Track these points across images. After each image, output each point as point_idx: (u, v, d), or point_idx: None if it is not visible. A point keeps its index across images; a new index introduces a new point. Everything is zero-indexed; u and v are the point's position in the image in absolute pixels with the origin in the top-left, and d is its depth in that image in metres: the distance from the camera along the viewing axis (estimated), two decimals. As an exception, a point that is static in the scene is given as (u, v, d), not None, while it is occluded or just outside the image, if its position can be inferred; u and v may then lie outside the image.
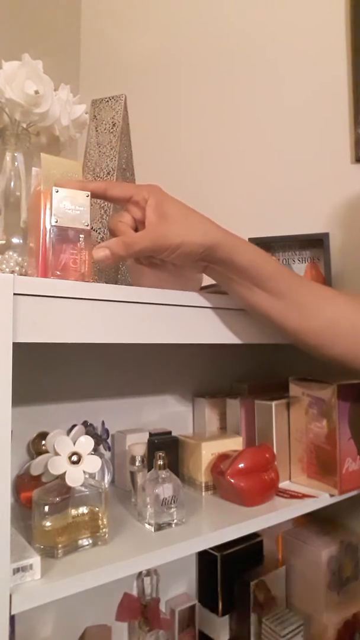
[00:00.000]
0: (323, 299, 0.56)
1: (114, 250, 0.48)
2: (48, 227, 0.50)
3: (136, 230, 0.53)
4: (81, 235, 0.50)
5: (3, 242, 0.64)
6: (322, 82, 1.07)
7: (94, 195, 0.52)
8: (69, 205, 0.50)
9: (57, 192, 0.50)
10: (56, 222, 0.49)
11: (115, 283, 0.76)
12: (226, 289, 0.58)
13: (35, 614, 0.75)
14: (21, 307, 0.44)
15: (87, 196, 0.51)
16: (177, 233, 0.49)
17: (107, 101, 0.78)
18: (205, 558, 0.91)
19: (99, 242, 0.72)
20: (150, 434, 0.77)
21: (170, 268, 0.55)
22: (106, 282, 0.73)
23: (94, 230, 0.73)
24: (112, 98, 0.78)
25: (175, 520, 0.63)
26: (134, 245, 0.48)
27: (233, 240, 0.52)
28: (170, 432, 0.81)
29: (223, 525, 0.64)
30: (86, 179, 0.75)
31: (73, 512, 0.55)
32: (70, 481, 0.54)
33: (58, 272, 0.49)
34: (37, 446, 0.74)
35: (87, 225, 0.50)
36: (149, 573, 0.82)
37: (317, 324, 0.55)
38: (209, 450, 0.77)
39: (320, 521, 0.97)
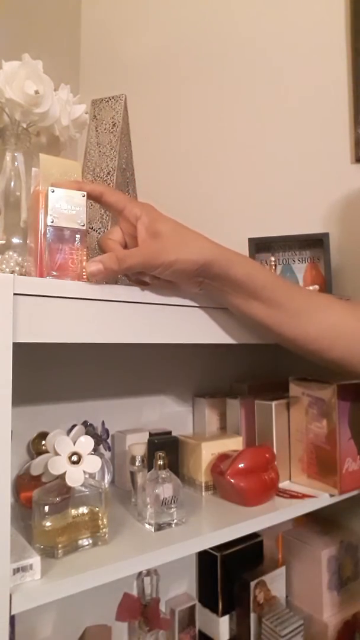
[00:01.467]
0: (319, 306, 0.57)
1: (107, 264, 0.48)
2: (44, 227, 0.50)
3: (125, 247, 0.53)
4: (77, 235, 0.50)
5: (3, 242, 0.64)
6: (322, 82, 1.07)
7: (90, 197, 0.52)
8: (65, 205, 0.50)
9: (53, 192, 0.50)
10: (52, 222, 0.49)
11: (115, 283, 0.76)
12: (223, 303, 0.58)
13: (35, 614, 0.75)
14: (21, 307, 0.44)
15: (84, 196, 0.51)
16: (170, 251, 0.49)
17: (107, 101, 0.78)
18: (205, 558, 0.91)
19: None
20: (150, 434, 0.77)
21: (164, 284, 0.54)
22: (106, 282, 0.73)
23: (93, 230, 0.73)
24: (112, 98, 0.78)
25: (175, 520, 0.63)
26: (127, 260, 0.48)
27: (227, 255, 0.52)
28: (170, 432, 0.81)
29: (223, 525, 0.64)
30: (86, 179, 0.75)
31: (73, 512, 0.55)
32: (70, 481, 0.54)
33: (54, 272, 0.49)
34: (37, 446, 0.74)
35: (83, 226, 0.50)
36: (149, 573, 0.82)
37: (314, 331, 0.56)
38: (209, 450, 0.77)
39: (320, 521, 0.97)
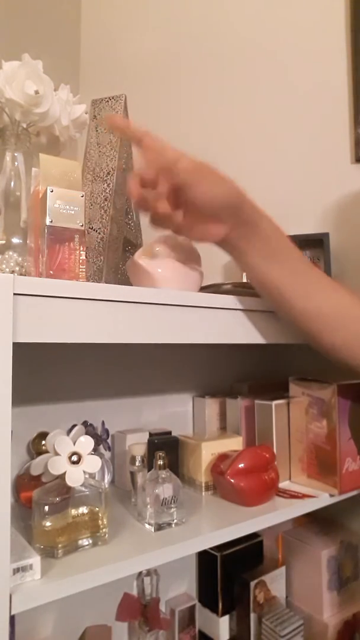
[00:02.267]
0: (332, 287, 0.57)
1: (158, 161, 0.49)
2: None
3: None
4: (76, 236, 0.50)
5: (3, 242, 0.64)
6: (322, 82, 1.07)
7: (131, 138, 0.53)
8: (63, 206, 0.50)
9: (51, 192, 0.50)
10: (51, 222, 0.49)
11: (115, 283, 0.76)
12: (241, 260, 0.58)
13: (35, 614, 0.75)
14: (21, 307, 0.44)
15: (82, 196, 0.51)
16: (215, 175, 0.51)
17: (107, 101, 0.78)
18: (205, 558, 0.91)
19: (98, 242, 0.72)
20: (150, 434, 0.77)
21: (194, 220, 0.54)
22: (106, 282, 0.73)
23: (93, 230, 0.73)
24: (112, 98, 0.78)
25: (175, 520, 0.63)
26: (179, 164, 0.49)
27: (260, 209, 0.54)
28: (170, 432, 0.81)
29: (223, 525, 0.64)
30: (86, 179, 0.75)
31: (73, 512, 0.55)
32: (70, 481, 0.54)
33: (51, 272, 0.49)
34: (37, 446, 0.74)
35: (82, 226, 0.50)
36: (149, 573, 0.82)
37: (325, 307, 0.56)
38: (209, 450, 0.77)
39: (320, 521, 0.97)
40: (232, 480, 0.70)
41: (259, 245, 0.55)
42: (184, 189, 0.51)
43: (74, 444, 0.56)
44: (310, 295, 0.56)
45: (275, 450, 0.77)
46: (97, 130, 0.77)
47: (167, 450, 0.67)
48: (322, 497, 0.75)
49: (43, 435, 0.73)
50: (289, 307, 0.57)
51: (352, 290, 0.59)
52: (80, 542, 0.56)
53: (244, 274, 1.01)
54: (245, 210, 0.53)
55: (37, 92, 0.62)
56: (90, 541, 0.56)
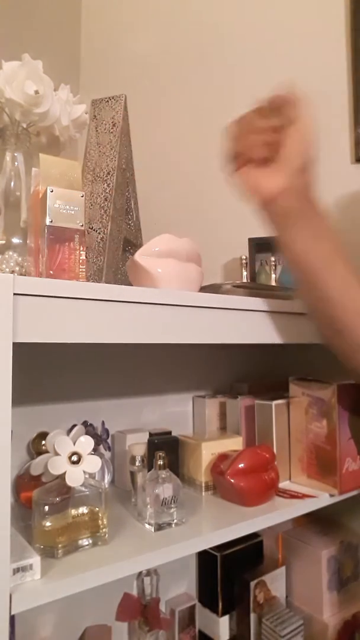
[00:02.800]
0: None
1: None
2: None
3: None
4: (76, 235, 0.50)
5: (3, 242, 0.64)
6: (321, 82, 1.07)
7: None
8: (63, 206, 0.50)
9: (51, 192, 0.50)
10: (51, 222, 0.49)
11: (115, 283, 0.76)
12: (289, 234, 0.56)
13: (35, 614, 0.75)
14: (21, 307, 0.44)
15: (82, 196, 0.51)
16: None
17: (107, 101, 0.78)
18: (205, 558, 0.91)
19: (98, 242, 0.72)
20: (150, 434, 0.77)
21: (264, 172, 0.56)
22: (106, 282, 0.73)
23: (93, 230, 0.73)
24: (112, 98, 0.78)
25: (175, 520, 0.63)
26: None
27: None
28: (170, 432, 0.81)
29: (223, 525, 0.64)
30: (86, 179, 0.75)
31: (73, 512, 0.55)
32: (70, 481, 0.54)
33: (51, 272, 0.49)
34: (37, 446, 0.74)
35: (82, 226, 0.51)
36: (149, 573, 0.82)
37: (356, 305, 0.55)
38: (209, 450, 0.77)
39: (320, 521, 0.97)
40: (232, 480, 0.70)
41: (309, 221, 0.55)
42: (294, 123, 0.56)
43: (74, 444, 0.56)
44: (348, 289, 0.55)
45: (275, 450, 0.77)
46: (97, 130, 0.77)
47: (167, 450, 0.67)
48: (322, 497, 0.75)
49: (43, 435, 0.73)
50: (322, 293, 0.56)
51: None
52: (80, 542, 0.56)
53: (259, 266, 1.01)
54: (308, 173, 0.55)
55: (37, 92, 0.62)
56: (90, 541, 0.56)
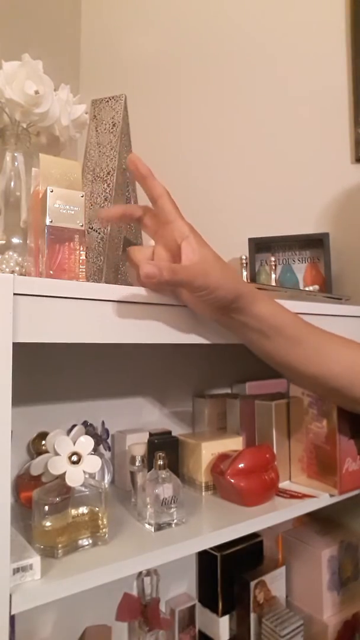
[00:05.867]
0: (340, 344, 0.58)
1: (163, 271, 0.47)
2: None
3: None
4: (76, 236, 0.50)
5: (3, 242, 0.64)
6: (322, 82, 1.07)
7: (151, 194, 0.53)
8: (63, 206, 0.50)
9: (51, 192, 0.50)
10: (51, 222, 0.49)
11: (115, 283, 0.76)
12: (243, 339, 0.58)
13: (35, 614, 0.75)
14: (21, 307, 0.44)
15: (82, 196, 0.51)
16: (216, 277, 0.50)
17: (107, 101, 0.78)
18: (205, 558, 0.91)
19: (98, 242, 0.72)
20: (150, 434, 0.77)
21: (194, 304, 0.55)
22: (106, 282, 0.73)
23: (93, 230, 0.73)
24: (112, 98, 0.78)
25: (175, 520, 0.63)
26: (180, 273, 0.49)
27: (255, 292, 0.54)
28: (170, 432, 0.81)
29: (223, 525, 0.64)
30: (86, 179, 0.75)
31: (73, 512, 0.55)
32: (70, 481, 0.54)
33: (51, 272, 0.49)
34: (37, 446, 0.74)
35: (82, 226, 0.51)
36: (149, 573, 0.82)
37: (340, 368, 0.56)
38: (209, 450, 0.77)
39: (320, 521, 0.97)
40: (232, 480, 0.70)
41: (257, 327, 0.55)
42: (185, 288, 0.52)
43: (74, 444, 0.56)
44: (319, 359, 0.56)
45: (275, 450, 0.77)
46: (97, 130, 0.77)
47: (167, 450, 0.67)
48: (322, 497, 0.75)
49: (43, 435, 0.73)
50: (300, 374, 0.58)
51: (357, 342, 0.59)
52: (80, 542, 0.56)
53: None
54: (239, 301, 0.52)
55: (37, 92, 0.62)
56: (90, 541, 0.56)
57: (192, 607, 0.89)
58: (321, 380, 0.57)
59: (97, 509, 0.56)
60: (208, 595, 0.90)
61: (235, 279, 0.52)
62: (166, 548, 0.57)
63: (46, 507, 0.54)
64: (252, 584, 0.85)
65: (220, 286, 0.50)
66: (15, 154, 0.67)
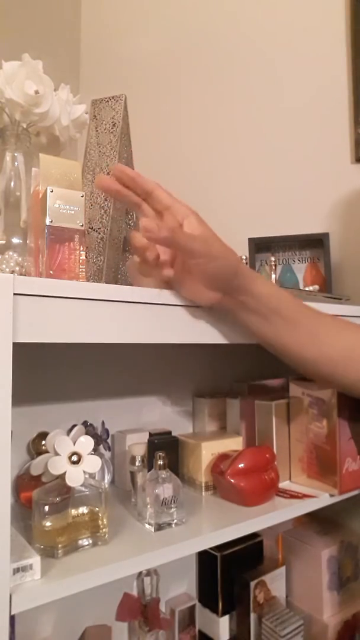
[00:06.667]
0: (338, 327, 0.57)
1: (162, 228, 0.47)
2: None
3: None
4: (76, 236, 0.50)
5: (3, 242, 0.64)
6: (322, 82, 1.07)
7: (140, 190, 0.52)
8: (63, 206, 0.50)
9: (51, 192, 0.50)
10: (51, 222, 0.49)
11: (115, 283, 0.76)
12: (240, 321, 0.58)
13: (35, 614, 0.75)
14: (21, 307, 0.44)
15: (82, 196, 0.51)
16: (218, 247, 0.51)
17: (107, 101, 0.78)
18: (205, 558, 0.91)
19: (98, 242, 0.72)
20: (150, 434, 0.77)
21: (190, 284, 0.54)
22: (106, 282, 0.73)
23: (93, 230, 0.73)
24: (112, 98, 0.78)
25: (175, 520, 0.63)
26: (180, 233, 0.48)
27: (254, 272, 0.54)
28: (170, 432, 0.81)
29: (223, 525, 0.64)
30: (86, 179, 0.75)
31: (73, 512, 0.55)
32: (70, 481, 0.54)
33: (51, 272, 0.49)
34: (37, 446, 0.74)
35: (82, 226, 0.50)
36: (149, 573, 0.82)
37: (334, 352, 0.56)
38: (209, 450, 0.77)
39: (320, 521, 0.97)
40: (232, 480, 0.70)
41: (255, 307, 0.54)
42: (183, 252, 0.51)
43: (74, 444, 0.56)
44: (315, 343, 0.56)
45: (275, 450, 0.77)
46: (97, 130, 0.77)
47: (167, 450, 0.67)
48: (322, 497, 0.75)
49: (43, 435, 0.73)
50: (296, 357, 0.58)
51: (354, 324, 0.59)
52: (80, 542, 0.56)
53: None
54: (238, 278, 0.52)
55: (37, 92, 0.62)
56: (90, 541, 0.56)
57: (192, 607, 0.89)
58: (317, 365, 0.57)
59: (97, 509, 0.56)
60: (208, 595, 0.90)
61: (235, 256, 0.52)
62: (166, 548, 0.57)
63: (46, 507, 0.54)
64: (252, 584, 0.85)
65: (221, 256, 0.50)
66: (15, 154, 0.67)
